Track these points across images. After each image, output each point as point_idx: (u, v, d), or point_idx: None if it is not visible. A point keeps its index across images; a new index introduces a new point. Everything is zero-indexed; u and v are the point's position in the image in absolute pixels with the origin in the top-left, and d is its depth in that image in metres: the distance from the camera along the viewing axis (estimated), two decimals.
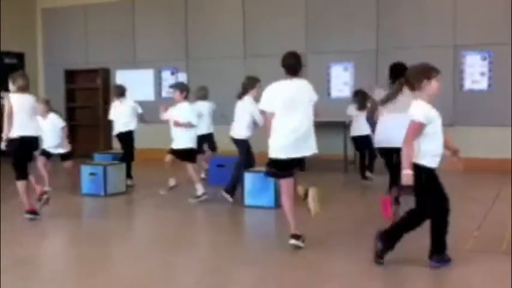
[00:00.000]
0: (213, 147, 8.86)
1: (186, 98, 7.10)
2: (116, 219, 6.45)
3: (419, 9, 9.98)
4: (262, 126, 5.79)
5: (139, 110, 8.41)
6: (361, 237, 5.02)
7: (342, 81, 10.56)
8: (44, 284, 4.14)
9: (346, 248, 4.85)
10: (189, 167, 7.07)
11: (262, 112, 4.80)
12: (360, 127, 8.42)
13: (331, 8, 10.64)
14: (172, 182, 7.06)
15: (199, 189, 7.06)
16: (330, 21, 10.62)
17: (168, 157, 7.00)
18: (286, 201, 4.82)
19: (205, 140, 8.58)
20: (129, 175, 8.23)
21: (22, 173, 6.12)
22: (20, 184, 6.12)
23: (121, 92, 8.48)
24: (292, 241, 4.72)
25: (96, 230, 5.91)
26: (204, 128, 8.34)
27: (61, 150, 7.84)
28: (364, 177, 8.56)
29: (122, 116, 8.32)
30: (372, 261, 4.30)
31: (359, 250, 4.65)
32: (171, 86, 7.45)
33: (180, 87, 7.24)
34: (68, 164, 7.96)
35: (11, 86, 6.19)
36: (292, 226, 4.79)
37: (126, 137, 8.33)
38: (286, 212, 4.83)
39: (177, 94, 7.09)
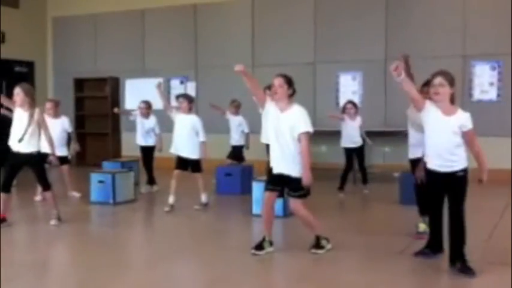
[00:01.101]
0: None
1: (191, 109, 7.21)
2: (124, 227, 6.46)
3: (428, 19, 9.99)
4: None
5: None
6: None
7: (350, 90, 10.56)
8: None
9: (352, 259, 4.83)
10: (199, 177, 7.14)
11: (307, 134, 4.78)
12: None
13: (340, 17, 10.67)
14: (172, 199, 7.10)
15: (205, 197, 7.19)
16: (339, 31, 10.64)
17: (176, 172, 7.09)
18: None
19: None
20: (152, 182, 8.64)
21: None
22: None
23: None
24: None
25: (104, 238, 5.93)
26: None
27: (63, 153, 7.94)
28: (341, 188, 8.18)
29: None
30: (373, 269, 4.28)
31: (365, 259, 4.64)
32: (180, 96, 7.48)
33: (188, 98, 7.37)
34: (65, 167, 8.08)
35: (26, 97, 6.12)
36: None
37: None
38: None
39: (185, 105, 7.15)
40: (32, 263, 4.86)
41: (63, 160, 8.01)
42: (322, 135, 10.28)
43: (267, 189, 4.97)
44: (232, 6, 11.62)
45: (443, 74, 4.38)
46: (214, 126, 9.25)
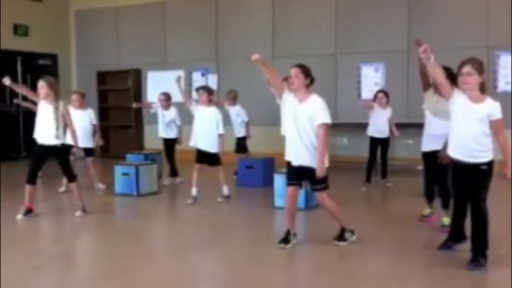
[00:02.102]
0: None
1: (211, 101, 7.21)
2: (148, 218, 6.53)
3: (452, 9, 9.85)
4: None
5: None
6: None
7: (372, 81, 10.48)
8: (78, 281, 4.22)
9: (376, 251, 4.83)
10: (220, 169, 7.17)
11: (326, 125, 4.76)
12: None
13: (362, 8, 10.58)
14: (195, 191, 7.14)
15: (227, 190, 7.22)
16: (360, 22, 10.56)
17: (197, 166, 7.10)
18: None
19: None
20: (175, 173, 8.76)
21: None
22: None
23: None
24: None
25: (129, 229, 6.00)
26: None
27: (88, 145, 8.04)
28: (368, 180, 8.11)
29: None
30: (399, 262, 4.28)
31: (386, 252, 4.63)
32: (199, 89, 7.46)
33: (208, 90, 7.34)
34: (90, 159, 8.21)
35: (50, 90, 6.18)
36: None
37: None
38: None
39: (204, 97, 7.15)
40: (58, 253, 4.95)
41: (88, 152, 8.14)
42: (343, 128, 10.29)
43: (289, 184, 4.95)
44: None
45: (472, 62, 4.26)
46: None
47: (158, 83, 11.52)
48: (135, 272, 4.35)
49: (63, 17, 13.51)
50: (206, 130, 7.08)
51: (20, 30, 12.38)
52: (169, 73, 12.00)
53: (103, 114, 12.82)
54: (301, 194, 6.50)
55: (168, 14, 12.40)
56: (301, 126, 4.76)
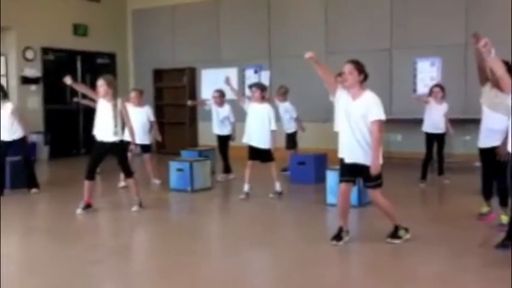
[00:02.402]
0: None
1: (263, 98, 7.21)
2: (202, 214, 6.63)
3: (507, 2, 9.49)
4: None
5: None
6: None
7: (428, 76, 10.24)
8: (133, 276, 4.34)
9: (431, 251, 4.74)
10: (272, 165, 7.18)
11: (380, 121, 4.69)
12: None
13: (417, 1, 10.35)
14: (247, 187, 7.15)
15: (279, 186, 7.20)
16: (416, 15, 10.34)
17: (250, 163, 7.14)
18: None
19: None
20: (228, 170, 8.81)
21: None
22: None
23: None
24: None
25: (183, 224, 6.12)
26: None
27: (146, 142, 8.25)
28: (423, 177, 7.89)
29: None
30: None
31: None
32: (252, 86, 7.46)
33: (261, 86, 7.35)
34: (147, 156, 8.41)
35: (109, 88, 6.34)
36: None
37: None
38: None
39: (257, 94, 7.17)
40: (115, 247, 5.10)
41: (145, 148, 8.33)
42: (398, 124, 10.10)
43: (341, 180, 4.91)
44: None
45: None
46: None
47: (212, 81, 11.62)
48: (189, 267, 4.41)
49: (121, 17, 13.86)
50: (259, 127, 7.11)
51: (79, 30, 12.78)
52: (223, 71, 12.11)
53: (159, 111, 13.06)
54: (353, 190, 6.46)
55: (222, 12, 12.51)
56: (355, 124, 4.72)
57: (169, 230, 5.85)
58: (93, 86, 6.69)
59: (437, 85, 8.17)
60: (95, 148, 6.49)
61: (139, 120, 7.98)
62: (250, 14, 12.12)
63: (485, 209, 5.70)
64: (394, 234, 4.93)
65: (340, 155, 4.91)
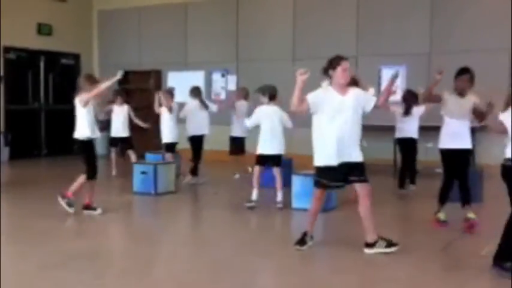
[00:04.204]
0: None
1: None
2: (165, 218, 6.56)
3: (474, 11, 9.74)
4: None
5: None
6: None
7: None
8: (97, 278, 4.26)
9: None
10: (277, 171, 6.90)
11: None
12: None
13: (383, 10, 10.53)
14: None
15: (255, 195, 6.84)
16: (382, 24, 10.51)
17: (257, 169, 6.82)
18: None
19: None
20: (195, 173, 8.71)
21: None
22: None
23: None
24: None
25: (146, 228, 6.04)
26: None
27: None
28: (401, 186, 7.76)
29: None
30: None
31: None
32: (259, 90, 7.06)
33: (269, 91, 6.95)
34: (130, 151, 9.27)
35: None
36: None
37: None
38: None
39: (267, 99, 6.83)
40: (77, 251, 5.00)
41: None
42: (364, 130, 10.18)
43: (328, 186, 4.80)
44: None
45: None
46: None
47: (179, 84, 11.55)
48: (153, 270, 4.35)
49: (87, 17, 13.68)
50: (272, 132, 6.77)
51: (43, 29, 12.55)
52: (190, 73, 12.07)
53: None
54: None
55: (189, 15, 12.47)
56: (350, 118, 4.71)
57: (133, 233, 5.78)
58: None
59: (409, 91, 8.03)
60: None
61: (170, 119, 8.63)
62: (218, 17, 12.11)
63: (442, 215, 5.71)
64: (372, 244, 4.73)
65: (324, 160, 4.71)
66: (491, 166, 7.84)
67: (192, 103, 8.79)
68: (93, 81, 6.44)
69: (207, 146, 8.99)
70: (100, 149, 12.93)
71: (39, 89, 12.33)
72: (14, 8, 11.79)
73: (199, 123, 8.74)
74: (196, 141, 8.76)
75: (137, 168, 7.83)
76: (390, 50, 10.41)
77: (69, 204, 6.28)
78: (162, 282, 4.12)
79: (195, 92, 8.85)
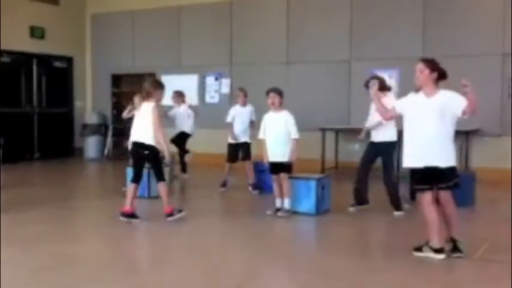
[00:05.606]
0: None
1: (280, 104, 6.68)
2: (158, 221, 6.54)
3: (466, 17, 9.80)
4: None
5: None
6: None
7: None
8: (90, 281, 4.24)
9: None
10: (285, 178, 6.61)
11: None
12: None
13: (376, 14, 10.57)
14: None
15: (279, 202, 6.63)
16: (375, 28, 10.54)
17: (275, 178, 6.60)
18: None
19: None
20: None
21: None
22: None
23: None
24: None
25: (137, 231, 6.02)
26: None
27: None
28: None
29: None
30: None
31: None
32: (270, 91, 6.76)
33: (280, 91, 6.77)
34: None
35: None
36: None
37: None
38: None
39: (277, 100, 6.66)
40: (70, 253, 4.97)
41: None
42: (356, 133, 10.21)
43: (425, 189, 4.61)
44: (268, 2, 11.63)
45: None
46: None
47: (172, 87, 11.54)
48: (142, 274, 4.33)
49: (79, 20, 13.65)
50: (278, 139, 6.57)
51: (36, 32, 12.51)
52: (183, 77, 12.07)
53: (117, 117, 12.86)
54: (311, 198, 6.51)
55: (183, 19, 12.47)
56: (432, 122, 4.60)
57: (123, 236, 5.77)
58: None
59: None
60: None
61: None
62: (212, 21, 12.12)
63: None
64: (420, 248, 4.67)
65: (416, 163, 4.64)
66: (483, 169, 7.92)
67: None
68: (157, 86, 6.43)
69: (207, 149, 9.08)
70: (93, 152, 12.94)
71: (31, 92, 12.28)
72: (7, 11, 11.75)
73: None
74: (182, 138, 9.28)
75: (130, 172, 7.77)
76: (383, 54, 10.45)
77: (180, 211, 6.30)
78: (160, 284, 4.11)
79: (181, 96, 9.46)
